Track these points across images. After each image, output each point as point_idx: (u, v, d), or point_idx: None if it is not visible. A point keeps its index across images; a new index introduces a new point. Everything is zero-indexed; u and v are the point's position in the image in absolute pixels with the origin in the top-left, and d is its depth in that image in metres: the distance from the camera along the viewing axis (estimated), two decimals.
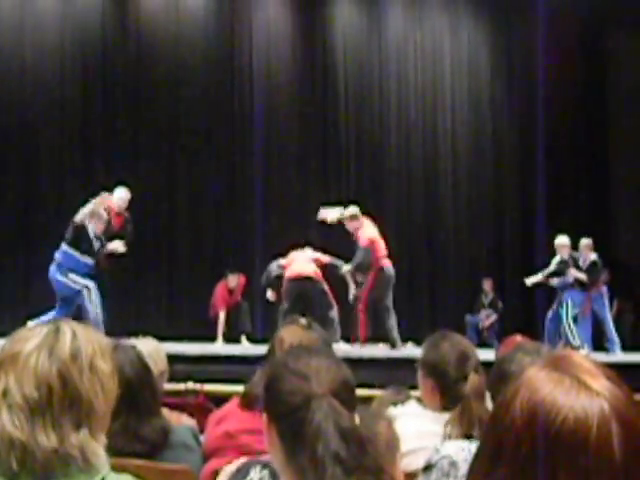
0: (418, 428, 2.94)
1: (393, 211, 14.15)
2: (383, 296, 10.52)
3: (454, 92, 14.84)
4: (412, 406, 3.25)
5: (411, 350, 10.14)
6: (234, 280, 11.99)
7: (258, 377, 3.00)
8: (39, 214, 12.44)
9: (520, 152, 14.89)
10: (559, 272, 11.59)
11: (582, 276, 11.48)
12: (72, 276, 9.49)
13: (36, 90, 12.71)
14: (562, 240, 11.62)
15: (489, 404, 2.87)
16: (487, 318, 13.70)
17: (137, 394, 2.83)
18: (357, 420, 1.82)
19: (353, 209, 10.78)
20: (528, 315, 12.89)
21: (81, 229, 9.46)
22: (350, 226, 10.69)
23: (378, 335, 11.03)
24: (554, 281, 11.70)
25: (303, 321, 3.11)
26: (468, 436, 2.71)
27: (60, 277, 9.51)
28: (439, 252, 14.42)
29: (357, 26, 14.47)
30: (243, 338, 11.81)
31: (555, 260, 11.65)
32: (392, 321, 10.50)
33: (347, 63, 14.33)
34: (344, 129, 14.25)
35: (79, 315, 9.23)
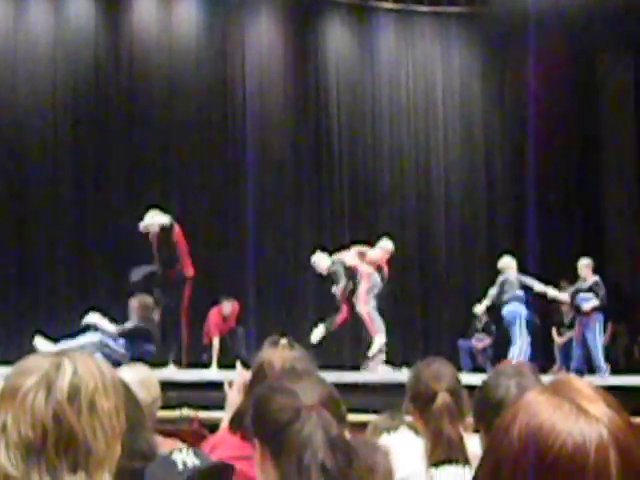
0: (410, 454, 2.93)
1: (386, 236, 14.15)
2: None
3: (446, 116, 14.90)
4: (404, 432, 3.24)
5: (405, 375, 10.09)
6: (228, 306, 11.96)
7: (244, 401, 2.99)
8: (32, 236, 12.46)
9: (512, 176, 14.94)
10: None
11: (597, 303, 11.50)
12: None
13: (28, 114, 12.71)
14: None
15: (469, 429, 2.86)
16: (480, 341, 13.67)
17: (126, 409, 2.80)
18: (348, 436, 1.81)
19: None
20: None
21: None
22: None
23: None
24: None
25: (284, 341, 3.11)
26: (451, 460, 2.70)
27: None
28: (432, 278, 14.42)
29: (350, 50, 14.54)
30: (238, 364, 11.76)
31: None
32: None
33: (340, 87, 14.39)
34: (337, 153, 14.29)
35: None
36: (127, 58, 13.34)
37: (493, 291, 11.56)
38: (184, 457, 2.03)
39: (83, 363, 1.61)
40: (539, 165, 14.65)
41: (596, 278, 11.61)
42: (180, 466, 2.02)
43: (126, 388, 2.94)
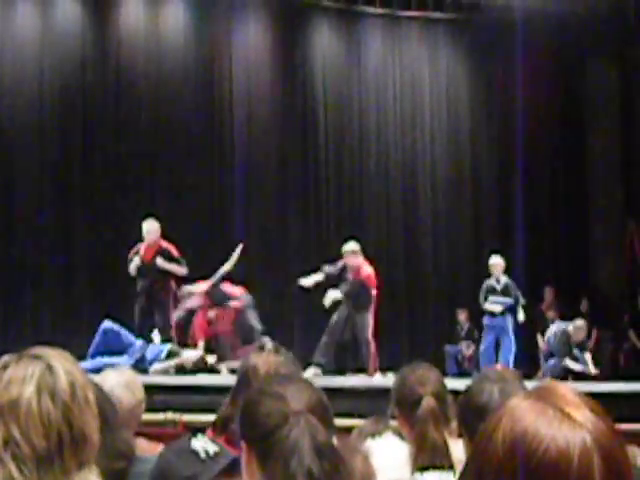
0: (395, 459, 2.93)
1: (372, 243, 14.13)
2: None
3: (433, 121, 14.93)
4: (389, 437, 3.25)
5: (391, 380, 10.04)
6: (213, 310, 11.93)
7: (229, 405, 2.99)
8: (17, 233, 12.43)
9: (499, 182, 14.98)
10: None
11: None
12: None
13: (13, 116, 12.66)
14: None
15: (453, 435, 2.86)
16: (468, 348, 13.69)
17: (104, 408, 2.79)
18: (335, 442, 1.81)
19: (353, 245, 10.69)
20: None
21: None
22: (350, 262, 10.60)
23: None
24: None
25: (270, 346, 3.11)
26: (435, 465, 2.70)
27: None
28: (418, 284, 14.43)
29: (337, 55, 14.55)
30: (223, 368, 11.73)
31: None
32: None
33: (327, 91, 14.39)
34: (324, 157, 14.28)
35: None
36: (114, 61, 13.30)
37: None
38: (203, 444, 2.01)
39: (64, 360, 1.60)
40: (526, 170, 14.69)
41: (506, 279, 11.60)
42: (202, 455, 2.00)
43: (102, 391, 2.94)
